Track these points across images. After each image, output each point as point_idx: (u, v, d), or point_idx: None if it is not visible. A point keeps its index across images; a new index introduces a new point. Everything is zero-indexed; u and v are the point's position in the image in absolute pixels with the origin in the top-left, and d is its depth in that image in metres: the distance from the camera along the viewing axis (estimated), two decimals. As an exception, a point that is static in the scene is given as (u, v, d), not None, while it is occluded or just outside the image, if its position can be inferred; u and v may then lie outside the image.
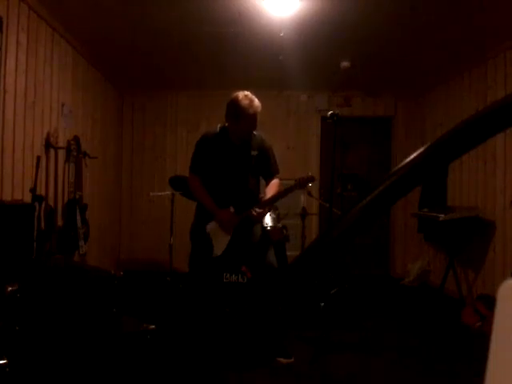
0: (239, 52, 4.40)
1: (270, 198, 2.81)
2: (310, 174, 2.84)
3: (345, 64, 4.64)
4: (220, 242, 2.82)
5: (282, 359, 2.73)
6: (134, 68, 5.10)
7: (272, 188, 2.88)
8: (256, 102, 2.71)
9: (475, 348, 3.07)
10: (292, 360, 2.74)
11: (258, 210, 2.75)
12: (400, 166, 0.54)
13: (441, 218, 4.10)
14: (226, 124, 2.85)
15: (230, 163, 2.83)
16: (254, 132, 2.87)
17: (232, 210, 2.80)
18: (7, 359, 1.62)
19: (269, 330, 2.87)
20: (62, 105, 3.95)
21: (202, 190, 2.86)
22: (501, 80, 3.97)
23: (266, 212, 2.86)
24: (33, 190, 3.09)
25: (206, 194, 2.85)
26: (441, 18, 3.53)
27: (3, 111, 2.98)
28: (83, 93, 4.49)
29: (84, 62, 4.50)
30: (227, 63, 4.78)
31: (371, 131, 6.08)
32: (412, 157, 0.53)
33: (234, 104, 2.71)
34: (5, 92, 3.00)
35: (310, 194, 4.35)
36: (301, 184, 2.75)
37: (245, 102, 2.68)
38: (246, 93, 2.73)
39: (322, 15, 3.51)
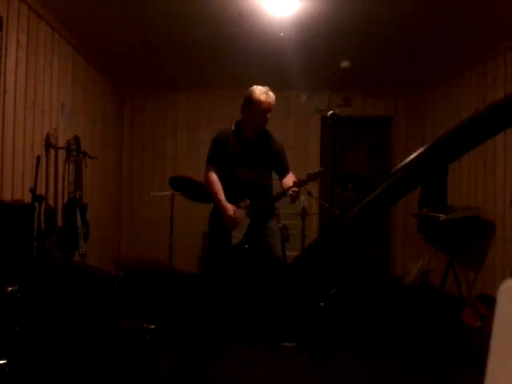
0: (239, 52, 4.40)
1: (300, 180, 2.90)
2: (317, 169, 2.98)
3: (345, 64, 4.64)
4: (239, 231, 2.94)
5: (286, 343, 2.90)
6: (133, 68, 5.09)
7: (291, 178, 3.01)
8: (271, 93, 2.93)
9: (475, 348, 3.07)
10: (296, 344, 2.92)
11: (294, 189, 2.85)
12: (400, 166, 0.54)
13: (441, 218, 4.10)
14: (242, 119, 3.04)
15: (243, 158, 2.97)
16: (266, 129, 3.06)
17: (248, 202, 2.94)
18: (7, 359, 1.62)
19: (274, 315, 3.02)
20: (62, 105, 3.95)
21: (214, 182, 2.98)
22: (501, 80, 3.97)
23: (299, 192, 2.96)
24: (33, 190, 3.09)
25: (217, 187, 2.96)
26: (441, 18, 3.53)
27: (3, 111, 2.98)
28: (83, 93, 4.49)
29: (84, 61, 4.50)
30: (227, 63, 4.78)
31: (371, 131, 6.08)
32: (412, 157, 0.53)
33: (250, 93, 2.94)
34: (5, 92, 3.00)
35: (310, 193, 4.34)
36: (312, 178, 2.89)
37: (259, 91, 2.91)
38: (264, 87, 2.95)
39: (321, 15, 3.51)
